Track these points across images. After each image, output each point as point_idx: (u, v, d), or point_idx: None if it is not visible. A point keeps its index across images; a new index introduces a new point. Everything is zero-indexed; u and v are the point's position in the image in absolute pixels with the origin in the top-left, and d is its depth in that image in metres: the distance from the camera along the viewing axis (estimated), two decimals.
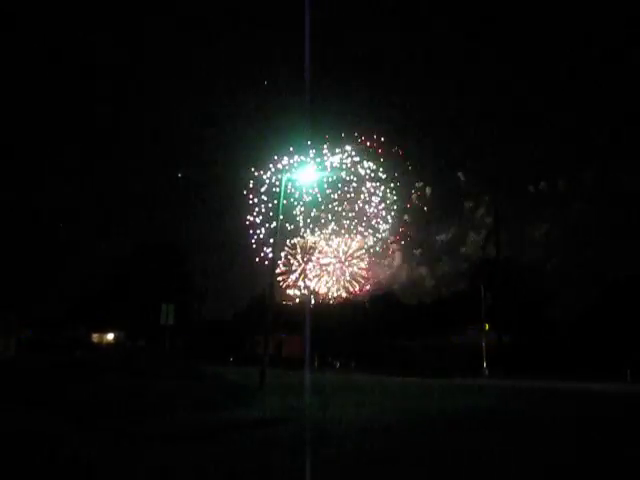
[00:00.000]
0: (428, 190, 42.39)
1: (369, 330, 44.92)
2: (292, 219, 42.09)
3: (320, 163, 25.14)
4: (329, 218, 46.13)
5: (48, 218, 46.62)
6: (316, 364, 42.95)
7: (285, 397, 18.35)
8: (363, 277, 47.04)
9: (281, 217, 23.00)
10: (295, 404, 16.55)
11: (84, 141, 44.19)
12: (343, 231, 47.12)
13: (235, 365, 41.56)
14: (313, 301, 48.68)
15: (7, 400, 14.83)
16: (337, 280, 46.75)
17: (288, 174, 23.36)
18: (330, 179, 37.81)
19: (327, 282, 48.81)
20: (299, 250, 48.83)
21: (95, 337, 55.48)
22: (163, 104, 43.40)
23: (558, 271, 36.14)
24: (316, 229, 48.18)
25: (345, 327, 45.35)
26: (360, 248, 46.07)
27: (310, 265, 48.91)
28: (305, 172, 23.82)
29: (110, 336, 55.60)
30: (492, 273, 39.12)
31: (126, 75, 43.13)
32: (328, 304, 48.11)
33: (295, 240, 49.05)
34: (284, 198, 23.14)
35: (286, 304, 44.16)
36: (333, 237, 47.72)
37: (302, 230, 47.33)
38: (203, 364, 35.74)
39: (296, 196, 29.38)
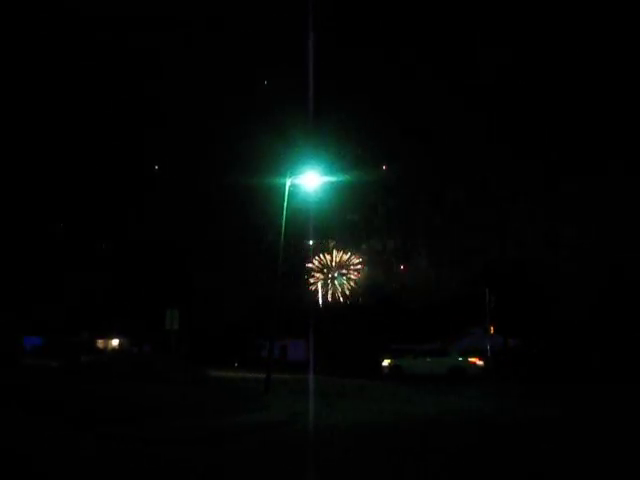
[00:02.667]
0: (461, 193, 41.12)
1: (372, 334, 44.85)
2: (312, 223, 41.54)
3: (327, 167, 25.06)
4: (356, 219, 45.33)
5: (47, 218, 46.49)
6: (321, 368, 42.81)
7: (290, 401, 18.39)
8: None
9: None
10: (300, 408, 16.59)
11: (81, 138, 44.02)
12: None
13: (240, 369, 41.49)
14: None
15: (15, 405, 14.85)
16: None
17: (292, 178, 23.32)
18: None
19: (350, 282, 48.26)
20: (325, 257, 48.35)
21: (100, 343, 55.52)
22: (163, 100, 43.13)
23: (572, 272, 35.66)
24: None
25: (349, 331, 45.29)
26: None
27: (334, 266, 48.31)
28: (309, 176, 23.71)
29: (115, 341, 55.64)
30: (498, 275, 38.94)
31: (124, 76, 42.99)
32: (333, 308, 48.00)
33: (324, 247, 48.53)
34: (289, 202, 23.20)
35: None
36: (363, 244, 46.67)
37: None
38: (208, 368, 35.70)
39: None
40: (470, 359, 31.09)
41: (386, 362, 32.49)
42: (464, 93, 39.89)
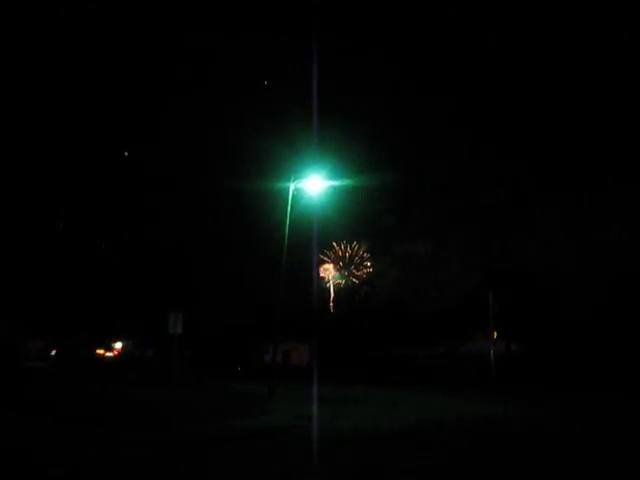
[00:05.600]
0: (501, 194, 40.03)
1: (376, 339, 44.78)
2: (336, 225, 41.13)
3: (333, 171, 24.93)
4: (392, 222, 44.73)
5: (49, 220, 46.57)
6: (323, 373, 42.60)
7: (294, 406, 18.34)
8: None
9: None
10: (303, 413, 16.55)
11: (81, 139, 44.08)
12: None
13: (243, 374, 41.47)
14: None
15: (15, 407, 14.84)
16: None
17: (296, 182, 23.31)
18: None
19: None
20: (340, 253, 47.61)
21: (103, 346, 55.57)
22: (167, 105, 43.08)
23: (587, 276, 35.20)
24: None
25: (352, 336, 45.24)
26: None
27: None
28: (314, 181, 23.68)
29: (118, 345, 55.67)
30: (502, 281, 38.74)
31: (126, 79, 43.00)
32: (336, 312, 47.85)
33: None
34: (294, 206, 23.20)
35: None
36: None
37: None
38: (212, 374, 35.71)
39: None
40: (98, 351, 45.46)
41: (53, 352, 46.31)
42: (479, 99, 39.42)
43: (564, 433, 14.19)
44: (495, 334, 37.45)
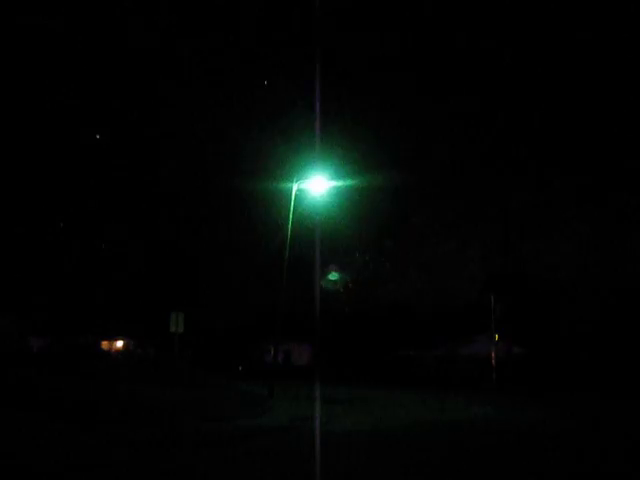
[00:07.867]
0: (517, 198, 39.36)
1: (378, 340, 44.72)
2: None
3: (336, 171, 24.87)
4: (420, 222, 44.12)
5: (49, 217, 46.53)
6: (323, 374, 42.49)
7: (293, 406, 18.38)
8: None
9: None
10: (303, 414, 16.56)
11: (83, 139, 44.13)
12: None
13: (244, 374, 41.50)
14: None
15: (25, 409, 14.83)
16: None
17: (299, 183, 23.31)
18: None
19: None
20: None
21: (104, 344, 55.59)
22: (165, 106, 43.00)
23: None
24: None
25: (354, 337, 45.18)
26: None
27: None
28: (317, 181, 23.64)
29: (119, 343, 55.66)
30: (504, 283, 38.66)
31: (128, 79, 43.03)
32: (338, 313, 47.70)
33: None
34: (297, 206, 23.22)
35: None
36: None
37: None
38: (213, 373, 35.72)
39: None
40: None
41: None
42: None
43: (563, 433, 14.13)
44: (497, 337, 37.43)
